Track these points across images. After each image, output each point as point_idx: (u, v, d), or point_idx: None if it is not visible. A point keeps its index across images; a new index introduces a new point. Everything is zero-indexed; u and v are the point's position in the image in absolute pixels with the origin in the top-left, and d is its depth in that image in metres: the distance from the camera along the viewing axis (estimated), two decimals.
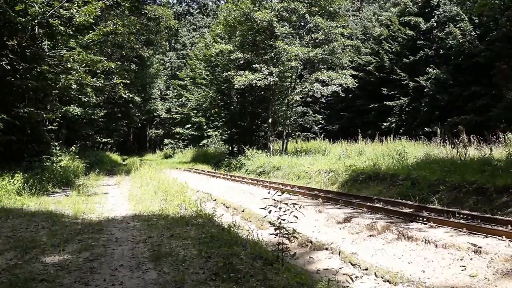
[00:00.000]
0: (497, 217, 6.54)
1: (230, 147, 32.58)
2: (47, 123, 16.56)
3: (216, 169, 26.41)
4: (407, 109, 29.88)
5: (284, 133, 26.08)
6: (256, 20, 23.08)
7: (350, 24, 32.96)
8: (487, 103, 23.23)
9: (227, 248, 5.05)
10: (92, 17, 12.86)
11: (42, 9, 11.41)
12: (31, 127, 14.09)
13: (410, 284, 4.53)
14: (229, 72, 24.99)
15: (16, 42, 11.74)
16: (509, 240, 5.29)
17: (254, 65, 23.64)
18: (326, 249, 6.24)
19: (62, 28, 12.20)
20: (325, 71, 24.00)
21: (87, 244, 5.53)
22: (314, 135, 34.07)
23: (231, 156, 28.31)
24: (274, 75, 22.73)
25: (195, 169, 26.52)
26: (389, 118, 30.13)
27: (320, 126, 37.04)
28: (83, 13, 12.54)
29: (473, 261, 4.78)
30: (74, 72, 13.01)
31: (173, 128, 47.95)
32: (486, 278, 4.36)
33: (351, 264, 5.51)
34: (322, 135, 30.56)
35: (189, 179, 16.83)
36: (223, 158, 28.90)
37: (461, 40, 25.22)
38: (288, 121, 26.41)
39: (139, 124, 51.92)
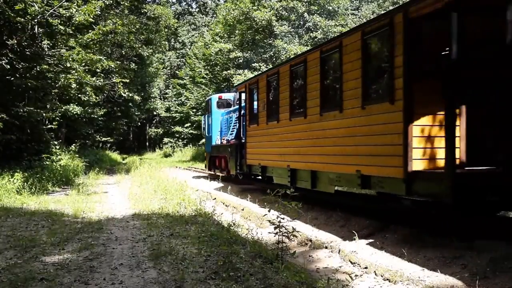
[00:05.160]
0: None
1: None
2: (46, 122, 16.56)
3: None
4: None
5: None
6: (255, 19, 23.11)
7: (349, 23, 32.92)
8: None
9: (227, 246, 5.07)
10: (91, 16, 12.88)
11: (42, 9, 11.43)
12: (31, 126, 14.10)
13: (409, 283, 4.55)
14: (228, 71, 25.01)
15: (15, 41, 11.74)
16: None
17: (253, 64, 23.64)
18: (326, 247, 6.26)
19: (61, 27, 12.23)
20: None
21: (87, 243, 5.54)
22: None
23: None
24: None
25: (195, 168, 26.51)
26: None
27: None
28: (82, 12, 12.57)
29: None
30: (74, 71, 13.04)
31: (172, 127, 47.90)
32: None
33: (351, 262, 5.53)
34: None
35: (188, 178, 16.83)
36: None
37: None
38: None
39: (139, 123, 51.91)
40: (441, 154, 5.66)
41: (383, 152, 6.19)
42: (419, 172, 5.65)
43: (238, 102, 13.83)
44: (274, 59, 23.39)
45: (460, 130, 5.90)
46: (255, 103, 11.73)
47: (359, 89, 6.72)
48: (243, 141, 12.68)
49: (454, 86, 5.03)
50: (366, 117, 6.60)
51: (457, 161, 5.58)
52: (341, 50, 7.34)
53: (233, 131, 14.42)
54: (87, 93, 17.46)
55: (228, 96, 17.35)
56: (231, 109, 15.69)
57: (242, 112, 13.00)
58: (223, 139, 15.81)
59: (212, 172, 17.74)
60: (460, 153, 5.89)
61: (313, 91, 8.29)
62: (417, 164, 5.72)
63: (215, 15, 51.82)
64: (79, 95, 17.85)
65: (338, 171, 7.44)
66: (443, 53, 5.52)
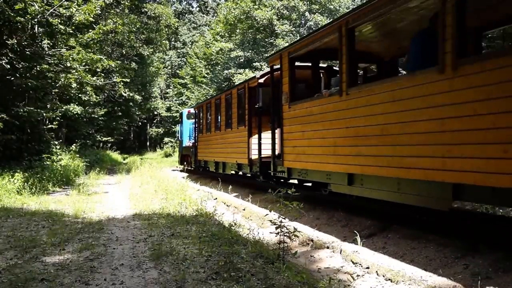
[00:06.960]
0: None
1: None
2: (47, 122, 16.56)
3: None
4: None
5: None
6: (256, 18, 23.08)
7: None
8: None
9: (228, 247, 5.04)
10: (92, 16, 12.85)
11: (42, 8, 11.41)
12: (31, 126, 14.10)
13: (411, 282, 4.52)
14: (229, 70, 24.99)
15: (15, 41, 11.72)
16: None
17: (254, 63, 23.62)
18: (328, 247, 6.23)
19: (62, 27, 12.20)
20: None
21: (87, 243, 5.52)
22: None
23: None
24: None
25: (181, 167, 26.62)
26: None
27: None
28: (83, 12, 12.54)
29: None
30: (74, 71, 13.01)
31: (173, 126, 47.88)
32: None
33: (352, 262, 5.50)
34: None
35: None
36: None
37: None
38: None
39: (139, 123, 51.92)
40: (264, 151, 10.96)
41: (242, 151, 12.24)
42: (253, 160, 11.56)
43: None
44: None
45: (279, 138, 10.05)
46: (203, 118, 17.98)
47: (236, 118, 12.99)
48: (197, 144, 18.61)
49: (259, 121, 11.17)
50: (238, 133, 12.69)
51: (276, 154, 9.78)
52: (231, 96, 13.61)
53: (195, 136, 19.84)
54: (88, 92, 17.45)
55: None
56: (195, 120, 20.89)
57: (196, 124, 19.29)
58: (190, 142, 22.00)
59: (183, 166, 24.06)
60: (278, 150, 10.07)
61: (223, 116, 14.54)
62: (254, 156, 11.54)
63: (216, 14, 51.78)
64: (80, 95, 17.86)
65: (231, 161, 13.54)
66: (256, 105, 11.40)
